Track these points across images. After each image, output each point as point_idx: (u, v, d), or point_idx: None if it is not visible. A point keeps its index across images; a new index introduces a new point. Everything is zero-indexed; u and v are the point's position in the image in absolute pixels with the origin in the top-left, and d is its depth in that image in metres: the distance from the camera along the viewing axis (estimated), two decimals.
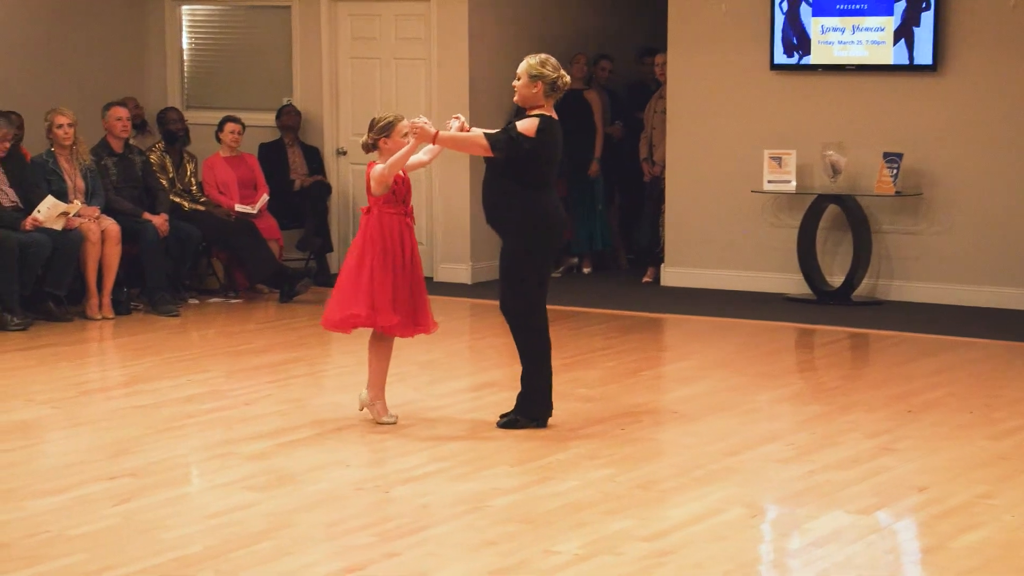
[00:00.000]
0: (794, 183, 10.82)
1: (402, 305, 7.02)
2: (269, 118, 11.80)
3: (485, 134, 6.86)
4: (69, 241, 9.69)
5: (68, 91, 11.40)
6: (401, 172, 6.98)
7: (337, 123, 11.98)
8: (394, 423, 7.09)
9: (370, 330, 7.13)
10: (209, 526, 5.54)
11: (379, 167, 6.98)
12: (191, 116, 11.71)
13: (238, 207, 10.87)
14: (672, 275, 11.48)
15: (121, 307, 10.10)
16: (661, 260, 11.58)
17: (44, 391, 7.78)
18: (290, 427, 7.08)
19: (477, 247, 11.64)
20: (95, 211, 9.99)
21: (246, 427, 7.06)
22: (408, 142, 6.90)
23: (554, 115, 7.01)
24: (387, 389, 7.28)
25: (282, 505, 5.82)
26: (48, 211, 9.63)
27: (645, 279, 11.71)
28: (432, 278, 11.67)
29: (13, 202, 9.79)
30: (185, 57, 12.36)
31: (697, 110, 11.29)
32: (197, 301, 10.60)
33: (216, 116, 11.35)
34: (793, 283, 10.99)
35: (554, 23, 12.14)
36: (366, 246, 6.99)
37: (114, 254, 9.94)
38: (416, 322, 7.11)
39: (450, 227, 11.62)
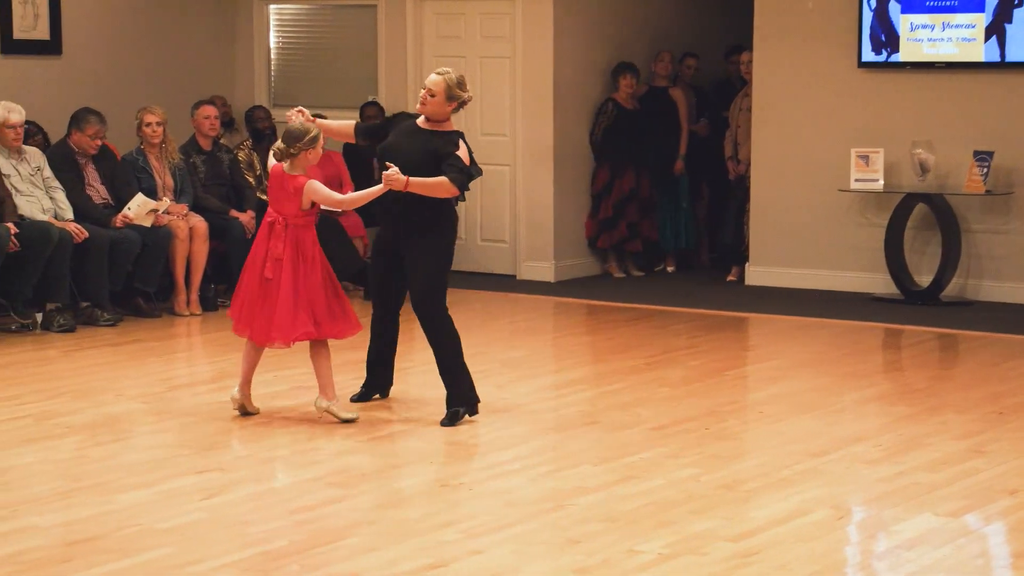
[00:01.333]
0: (882, 182, 10.70)
1: (336, 307, 7.20)
2: (355, 116, 11.85)
3: (449, 178, 6.92)
4: (158, 238, 9.81)
5: (158, 89, 11.54)
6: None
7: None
8: (356, 419, 7.08)
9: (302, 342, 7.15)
10: (294, 521, 5.57)
11: (321, 188, 7.01)
12: (278, 114, 11.79)
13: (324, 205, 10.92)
14: (757, 274, 11.39)
15: (208, 303, 10.20)
16: (745, 259, 11.50)
17: (133, 386, 7.88)
18: (375, 423, 7.11)
19: (560, 245, 11.63)
20: (183, 208, 10.11)
21: (330, 423, 7.09)
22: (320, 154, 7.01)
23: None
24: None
25: (366, 501, 5.84)
26: (138, 208, 9.75)
27: (729, 278, 11.64)
28: (515, 276, 11.69)
29: (104, 199, 9.93)
30: (272, 56, 12.46)
31: (783, 108, 11.20)
32: None
33: (308, 113, 11.39)
34: (880, 282, 10.86)
35: (639, 20, 12.10)
36: (308, 259, 7.01)
37: (202, 251, 10.04)
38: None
39: (533, 226, 11.62)
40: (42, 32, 10.95)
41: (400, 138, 7.12)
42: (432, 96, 7.05)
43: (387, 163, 6.92)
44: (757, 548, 5.29)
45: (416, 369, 8.64)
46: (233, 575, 5.00)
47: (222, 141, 10.87)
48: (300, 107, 7.21)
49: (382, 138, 7.36)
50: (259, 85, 12.47)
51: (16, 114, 9.52)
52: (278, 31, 12.50)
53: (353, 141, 7.41)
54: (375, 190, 6.96)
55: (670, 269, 12.21)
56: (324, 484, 6.07)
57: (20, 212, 9.38)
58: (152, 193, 9.97)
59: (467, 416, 7.14)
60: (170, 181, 10.21)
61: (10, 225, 9.11)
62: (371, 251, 7.30)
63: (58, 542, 5.32)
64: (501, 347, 9.17)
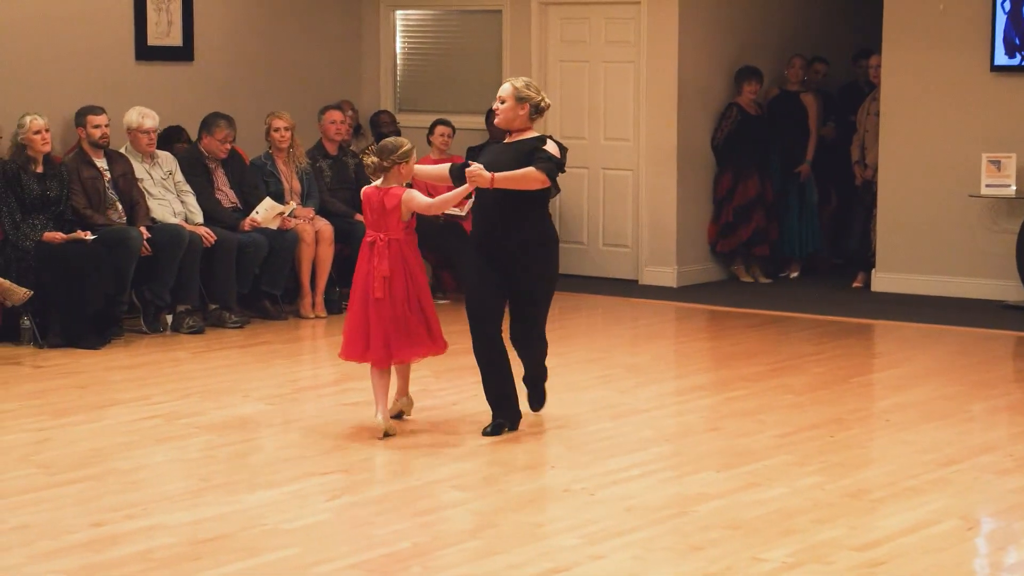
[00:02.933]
0: (1014, 187, 10.48)
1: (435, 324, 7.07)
2: (478, 121, 11.92)
3: (539, 168, 6.77)
4: (285, 241, 9.93)
5: (286, 94, 11.68)
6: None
7: (545, 126, 12.02)
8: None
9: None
10: (417, 523, 5.60)
11: (417, 195, 6.94)
12: (403, 119, 11.92)
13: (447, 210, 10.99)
14: (884, 280, 11.23)
15: (333, 306, 10.31)
16: (872, 265, 11.34)
17: (260, 388, 7.98)
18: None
19: (683, 251, 11.56)
20: (310, 212, 10.23)
21: (453, 427, 7.13)
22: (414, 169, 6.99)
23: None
24: (588, 391, 7.49)
25: (489, 505, 5.86)
26: (266, 212, 9.88)
27: (855, 284, 11.48)
28: (637, 281, 11.65)
29: (233, 203, 10.08)
30: (398, 61, 12.55)
31: (912, 112, 11.02)
32: None
33: (427, 119, 11.50)
34: (1011, 290, 10.64)
35: (764, 24, 12.00)
36: (416, 275, 6.95)
37: (327, 254, 10.15)
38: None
39: (656, 230, 11.57)
40: (175, 39, 11.15)
41: (490, 156, 7.02)
42: (503, 103, 6.97)
43: (469, 160, 6.88)
44: (883, 558, 5.21)
45: None
46: None
47: (352, 148, 10.98)
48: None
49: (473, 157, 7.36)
50: (384, 90, 12.57)
51: (149, 119, 9.72)
52: (404, 37, 12.60)
53: (453, 185, 7.11)
54: (460, 190, 6.88)
55: (794, 275, 12.08)
56: (447, 487, 6.10)
57: (152, 215, 9.56)
58: (279, 197, 10.11)
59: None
60: (297, 185, 10.34)
61: (142, 229, 9.30)
62: (471, 277, 7.05)
63: (187, 540, 5.40)
64: (623, 352, 9.15)
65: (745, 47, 11.81)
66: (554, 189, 6.96)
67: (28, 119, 8.92)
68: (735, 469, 6.37)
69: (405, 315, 6.90)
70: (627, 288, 11.42)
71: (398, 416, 7.23)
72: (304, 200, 10.28)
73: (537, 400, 7.35)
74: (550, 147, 6.91)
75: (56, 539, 5.36)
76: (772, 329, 9.84)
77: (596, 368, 8.59)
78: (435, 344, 7.04)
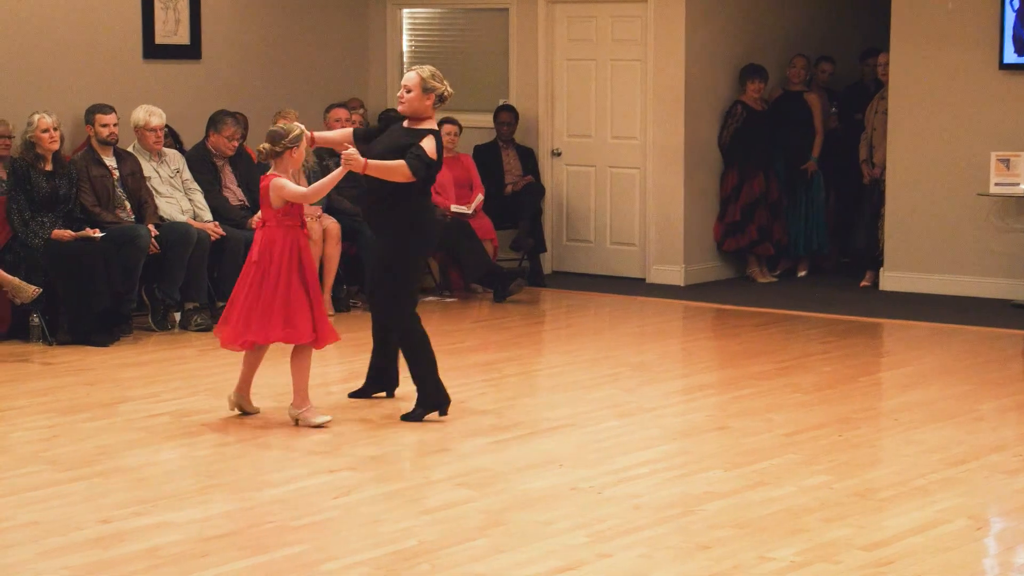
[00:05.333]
0: (1023, 186, 10.46)
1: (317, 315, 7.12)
2: (485, 119, 11.92)
3: (406, 163, 6.96)
4: None
5: (294, 93, 11.70)
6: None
7: (552, 124, 12.04)
8: (328, 421, 7.07)
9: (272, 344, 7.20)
10: (425, 521, 5.61)
11: (286, 183, 7.03)
12: None
13: (454, 207, 11.01)
14: (892, 279, 11.22)
15: (341, 304, 10.32)
16: (880, 264, 11.33)
17: (267, 385, 7.93)
18: (504, 425, 7.13)
19: (690, 249, 11.55)
20: (317, 210, 10.22)
21: (461, 424, 7.13)
22: (303, 156, 7.15)
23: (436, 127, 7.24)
24: (596, 389, 7.41)
25: (496, 503, 5.86)
26: None
27: (863, 283, 11.47)
28: (644, 279, 11.65)
29: (240, 200, 10.09)
30: (405, 59, 12.55)
31: (920, 111, 11.01)
32: None
33: (434, 117, 11.48)
34: (1020, 289, 10.62)
35: (771, 22, 11.99)
36: (267, 261, 7.02)
37: (335, 252, 10.16)
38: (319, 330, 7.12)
39: (663, 229, 11.56)
40: (182, 37, 11.16)
41: (385, 140, 7.22)
42: (408, 92, 7.15)
43: (345, 144, 7.01)
44: (891, 558, 5.20)
45: (541, 373, 8.66)
46: (365, 573, 5.04)
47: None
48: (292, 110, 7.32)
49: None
50: (391, 88, 12.54)
51: (157, 117, 9.73)
52: (411, 35, 12.60)
53: (354, 147, 7.42)
54: (335, 174, 7.02)
55: (802, 273, 12.07)
56: (454, 484, 6.10)
57: (160, 213, 9.58)
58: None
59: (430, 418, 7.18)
60: (304, 183, 10.31)
61: (151, 227, 9.31)
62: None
63: (194, 537, 5.41)
64: (630, 350, 9.14)
65: (751, 46, 11.80)
66: (419, 182, 7.07)
67: (36, 117, 8.94)
68: (742, 468, 6.37)
69: (268, 300, 6.99)
70: (634, 286, 11.42)
71: (242, 412, 7.29)
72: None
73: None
74: (426, 143, 7.06)
75: (64, 536, 5.38)
76: (780, 328, 9.83)
77: (603, 366, 8.58)
78: (293, 332, 7.04)
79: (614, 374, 8.34)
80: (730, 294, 11.13)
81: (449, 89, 7.22)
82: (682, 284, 11.47)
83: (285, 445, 6.81)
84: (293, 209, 7.08)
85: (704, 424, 7.25)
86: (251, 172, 10.21)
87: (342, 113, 10.66)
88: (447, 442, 6.81)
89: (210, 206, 9.85)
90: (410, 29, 12.58)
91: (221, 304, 9.65)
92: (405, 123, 7.23)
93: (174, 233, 9.40)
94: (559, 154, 12.00)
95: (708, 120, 11.61)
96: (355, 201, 7.17)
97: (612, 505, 5.83)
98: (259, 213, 9.79)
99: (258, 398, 7.69)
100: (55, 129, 8.98)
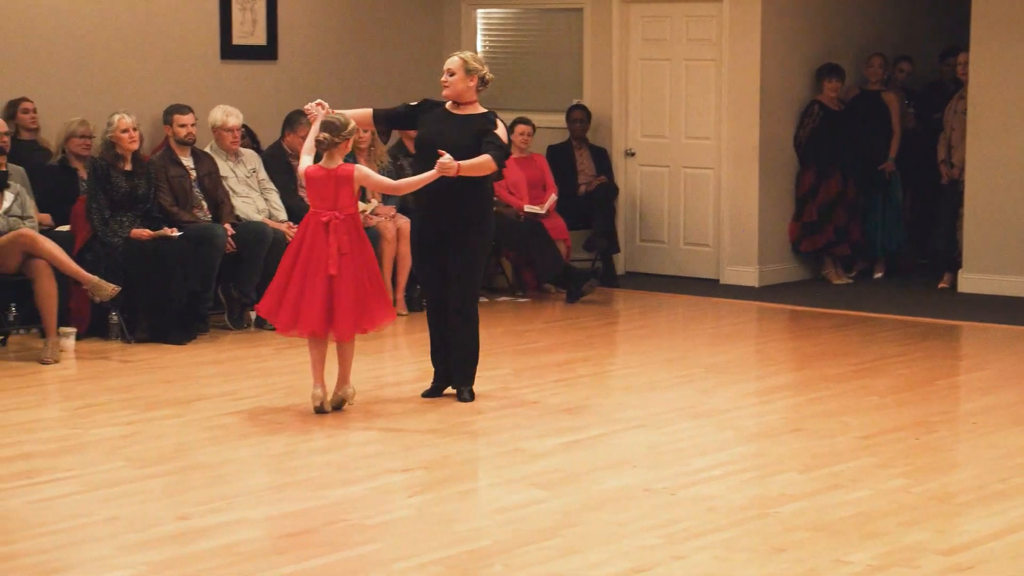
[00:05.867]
0: None
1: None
2: (559, 119, 11.92)
3: (491, 156, 7.10)
4: None
5: (369, 92, 11.74)
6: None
7: (626, 124, 12.01)
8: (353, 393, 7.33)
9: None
10: (498, 521, 5.60)
11: (371, 172, 7.32)
12: None
13: (527, 207, 11.01)
14: (970, 281, 11.08)
15: (414, 303, 10.35)
16: (958, 265, 11.20)
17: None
18: (577, 426, 7.12)
19: (765, 250, 11.49)
20: (391, 210, 10.27)
21: (534, 425, 7.12)
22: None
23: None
24: (669, 390, 7.47)
25: (570, 503, 5.84)
26: None
27: (941, 285, 11.34)
28: (719, 280, 11.59)
29: None
30: None
31: (1000, 110, 10.86)
32: (486, 300, 10.66)
33: (508, 118, 11.50)
34: None
35: (848, 21, 11.89)
36: (363, 248, 7.19)
37: (408, 252, 10.18)
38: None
39: (737, 229, 11.50)
40: (259, 38, 11.26)
41: (437, 126, 7.28)
42: (452, 75, 7.26)
43: (439, 151, 7.03)
44: (970, 563, 5.14)
45: (614, 373, 8.64)
46: (438, 572, 5.05)
47: None
48: (319, 100, 7.32)
49: (404, 125, 7.78)
50: None
51: (234, 118, 9.82)
52: (485, 35, 12.62)
53: (372, 127, 7.54)
54: (426, 176, 7.09)
55: (878, 275, 11.96)
56: (528, 484, 6.09)
57: (236, 213, 9.66)
58: (361, 195, 10.14)
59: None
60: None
61: (227, 226, 9.40)
62: (416, 246, 7.49)
63: (270, 535, 5.44)
64: (704, 352, 9.10)
65: (828, 45, 11.71)
66: (498, 175, 7.35)
67: (116, 118, 9.05)
68: (818, 470, 6.31)
69: (364, 289, 7.12)
70: (708, 288, 11.37)
71: (339, 406, 7.34)
72: (385, 198, 10.33)
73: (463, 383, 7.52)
74: (500, 131, 7.24)
75: (143, 531, 5.43)
76: (856, 330, 9.74)
77: (677, 368, 8.55)
78: (389, 313, 7.31)
79: (688, 375, 8.30)
80: (805, 295, 11.05)
81: (489, 73, 7.34)
82: (756, 285, 11.41)
83: (359, 443, 6.83)
84: (356, 197, 7.26)
85: (779, 426, 7.19)
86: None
87: None
88: (520, 442, 6.80)
89: (285, 206, 9.92)
90: (484, 29, 12.61)
91: None
92: (451, 107, 7.33)
93: (250, 232, 9.48)
94: (633, 154, 11.97)
95: (783, 120, 11.53)
96: (427, 199, 7.23)
97: (686, 506, 5.80)
98: (369, 204, 9.94)
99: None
100: (134, 129, 9.08)
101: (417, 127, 7.49)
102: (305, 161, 7.25)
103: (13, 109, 9.80)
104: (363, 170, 7.24)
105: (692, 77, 11.60)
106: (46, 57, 10.17)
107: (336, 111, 7.30)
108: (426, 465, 6.41)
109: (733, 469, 6.36)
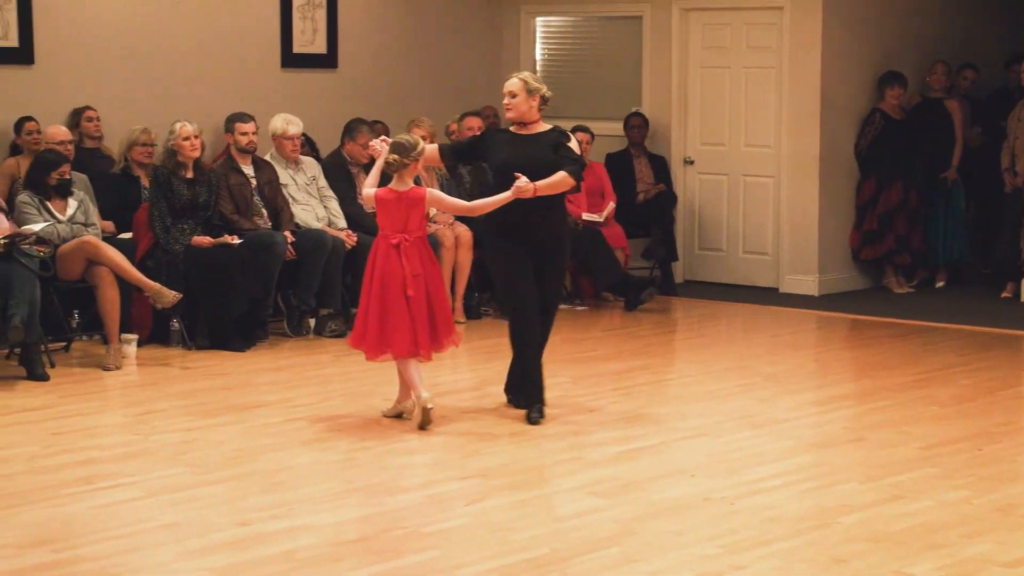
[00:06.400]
0: None
1: None
2: (617, 127, 11.90)
3: (567, 172, 7.07)
4: None
5: (427, 101, 11.79)
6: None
7: (685, 132, 11.98)
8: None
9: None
10: (556, 529, 5.59)
11: (444, 195, 7.34)
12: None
13: (585, 215, 11.00)
14: None
15: (472, 311, 10.36)
16: (1022, 274, 11.07)
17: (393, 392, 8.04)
18: (635, 434, 7.10)
19: (825, 258, 11.42)
20: (449, 217, 10.29)
21: (592, 433, 7.11)
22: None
23: None
24: (728, 399, 7.40)
25: (628, 512, 5.83)
26: None
27: (1004, 294, 11.23)
28: (778, 289, 11.53)
29: (374, 208, 10.17)
30: (538, 67, 12.58)
31: None
32: None
33: (566, 125, 11.44)
34: None
35: (911, 28, 11.80)
36: (432, 269, 7.21)
37: (466, 259, 10.21)
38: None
39: (797, 238, 11.44)
40: (319, 46, 11.32)
41: (510, 150, 7.22)
42: (513, 97, 7.23)
43: (516, 174, 7.00)
44: None
45: (673, 382, 8.60)
46: None
47: None
48: (383, 137, 7.32)
49: (472, 157, 7.68)
50: None
51: (294, 126, 9.87)
52: (544, 43, 12.63)
53: (439, 164, 7.50)
54: (502, 197, 7.06)
55: (940, 284, 11.85)
56: (586, 493, 6.08)
57: (296, 221, 9.70)
58: None
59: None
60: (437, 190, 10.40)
61: (287, 233, 9.44)
62: (505, 267, 7.28)
63: (328, 541, 5.44)
64: (763, 361, 9.04)
65: (889, 52, 11.63)
66: (576, 188, 7.36)
67: (178, 126, 9.12)
68: (879, 481, 6.26)
69: (433, 310, 7.13)
70: (767, 296, 11.32)
71: (398, 416, 7.34)
72: None
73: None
74: (573, 144, 7.23)
75: (204, 537, 5.45)
76: (917, 339, 9.66)
77: (736, 377, 8.51)
78: (455, 336, 7.30)
79: (747, 384, 8.26)
80: (866, 304, 10.97)
81: (548, 91, 7.33)
82: (816, 294, 11.34)
83: (417, 451, 6.84)
84: (425, 220, 7.26)
85: (839, 436, 7.14)
86: (385, 180, 10.28)
87: (475, 122, 10.70)
88: (578, 450, 6.79)
89: (345, 213, 9.96)
90: (543, 37, 12.61)
91: (355, 311, 9.76)
92: (516, 129, 7.29)
93: (309, 240, 9.52)
94: (691, 162, 11.93)
95: (844, 128, 11.46)
96: (513, 220, 7.12)
97: (745, 516, 5.77)
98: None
99: (390, 404, 7.75)
100: (196, 137, 9.15)
101: (487, 156, 7.39)
102: (367, 194, 7.24)
103: (77, 118, 9.91)
104: (435, 193, 7.21)
105: (752, 85, 11.56)
106: (109, 66, 10.27)
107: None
108: (484, 473, 6.41)
109: (793, 479, 6.31)
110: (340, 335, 9.50)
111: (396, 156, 7.08)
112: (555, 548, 5.36)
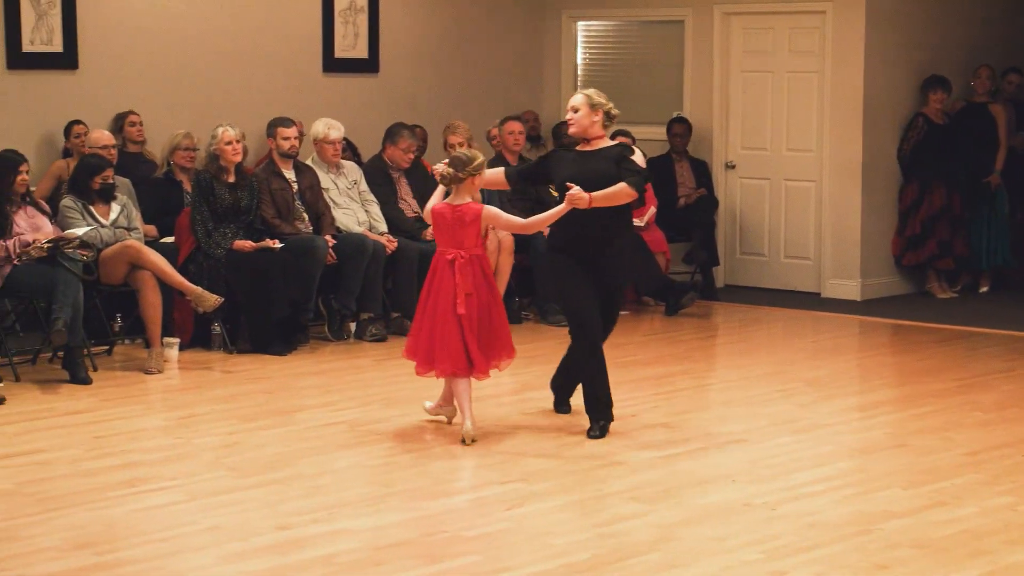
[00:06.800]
0: None
1: None
2: (659, 132, 11.88)
3: (627, 183, 6.90)
4: None
5: (469, 105, 11.80)
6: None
7: (727, 137, 11.94)
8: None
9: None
10: (597, 535, 5.57)
11: (500, 212, 7.13)
12: None
13: None
14: None
15: (513, 316, 10.33)
16: None
17: (440, 396, 8.02)
18: (676, 439, 7.07)
19: (867, 263, 11.36)
20: None
21: (632, 438, 7.09)
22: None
23: None
24: (769, 404, 7.35)
25: (669, 517, 5.80)
26: None
27: None
28: (820, 294, 11.47)
29: (415, 212, 10.19)
30: (579, 72, 12.57)
31: None
32: None
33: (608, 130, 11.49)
34: None
35: (955, 33, 11.71)
36: (488, 286, 7.02)
37: (507, 264, 10.20)
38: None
39: (839, 242, 11.38)
40: (361, 51, 11.34)
41: (575, 167, 7.06)
42: (576, 112, 7.10)
43: (568, 184, 6.87)
44: None
45: (714, 387, 8.57)
46: None
47: (526, 155, 11.03)
48: (447, 160, 7.17)
49: (538, 178, 7.49)
50: (565, 101, 12.48)
51: (335, 130, 9.89)
52: (585, 47, 12.61)
53: (507, 187, 7.38)
54: (557, 211, 6.92)
55: (983, 289, 11.76)
56: (627, 498, 6.06)
57: (337, 225, 9.72)
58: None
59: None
60: (478, 195, 10.37)
61: (328, 237, 9.46)
62: (566, 285, 7.11)
63: (369, 546, 5.44)
64: (804, 366, 8.99)
65: (933, 56, 11.55)
66: (639, 201, 7.12)
67: (220, 130, 9.15)
68: (921, 487, 6.22)
69: (491, 328, 7.01)
70: (809, 301, 11.27)
71: (438, 417, 7.33)
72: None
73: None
74: (637, 157, 7.06)
75: (244, 541, 5.46)
76: (960, 345, 9.59)
77: (777, 382, 8.46)
78: (509, 351, 7.15)
79: (788, 389, 8.22)
80: (908, 309, 10.90)
81: (615, 108, 7.16)
82: (858, 299, 11.28)
83: (457, 455, 6.83)
84: (486, 238, 7.12)
85: (881, 442, 7.09)
86: (427, 184, 10.29)
87: (516, 126, 10.70)
88: (619, 455, 6.77)
89: (386, 218, 9.97)
90: (585, 41, 12.59)
91: (396, 315, 9.79)
92: (581, 147, 7.17)
93: (350, 244, 9.54)
94: (733, 167, 11.89)
95: (887, 132, 11.39)
96: (572, 236, 7.02)
97: (786, 522, 5.73)
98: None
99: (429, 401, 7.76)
100: (238, 142, 9.18)
101: (552, 176, 7.25)
102: (427, 209, 7.16)
103: (120, 122, 9.97)
104: (492, 210, 7.08)
105: (794, 89, 11.50)
106: (152, 71, 10.32)
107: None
108: (524, 477, 6.39)
109: (834, 485, 6.27)
110: (381, 339, 9.50)
111: (450, 170, 6.97)
112: (595, 553, 5.35)
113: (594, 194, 6.85)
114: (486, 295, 7.03)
